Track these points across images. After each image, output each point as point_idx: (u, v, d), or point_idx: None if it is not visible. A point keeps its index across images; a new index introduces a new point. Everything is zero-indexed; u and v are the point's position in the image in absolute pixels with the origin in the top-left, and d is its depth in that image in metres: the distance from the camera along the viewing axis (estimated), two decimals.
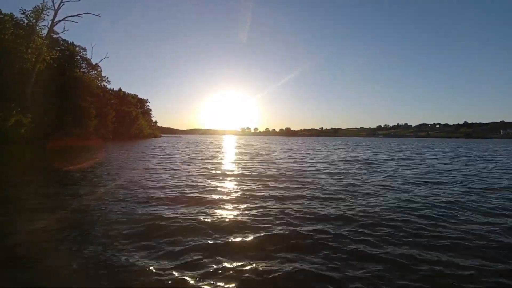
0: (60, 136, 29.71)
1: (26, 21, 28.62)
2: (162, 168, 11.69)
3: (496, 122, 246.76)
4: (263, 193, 6.98)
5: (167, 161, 14.65)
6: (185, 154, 20.45)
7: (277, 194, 6.92)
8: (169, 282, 2.86)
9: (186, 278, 2.94)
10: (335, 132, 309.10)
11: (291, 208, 5.61)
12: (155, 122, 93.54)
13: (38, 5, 29.07)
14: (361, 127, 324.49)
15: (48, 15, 30.15)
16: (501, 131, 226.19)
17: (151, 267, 3.12)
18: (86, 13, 33.25)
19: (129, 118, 56.77)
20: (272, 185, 8.20)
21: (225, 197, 6.57)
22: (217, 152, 23.61)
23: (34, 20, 28.81)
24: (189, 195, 6.71)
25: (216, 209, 5.53)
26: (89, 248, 3.62)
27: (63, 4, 31.21)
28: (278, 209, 5.48)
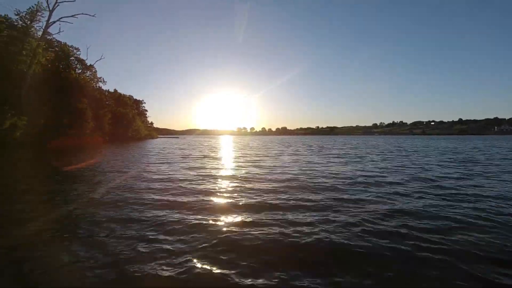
0: (56, 139, 29.37)
1: (20, 23, 28.20)
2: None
3: (490, 119, 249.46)
4: None
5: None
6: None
7: None
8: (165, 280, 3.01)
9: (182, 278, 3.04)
10: (331, 131, 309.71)
11: None
12: (151, 123, 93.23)
13: (32, 6, 28.71)
14: (357, 126, 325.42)
15: (43, 17, 29.79)
16: (495, 127, 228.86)
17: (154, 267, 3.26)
18: (82, 14, 32.76)
19: (126, 119, 56.34)
20: None
21: None
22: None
23: (29, 22, 28.40)
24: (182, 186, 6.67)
25: (216, 212, 5.56)
26: (84, 246, 3.82)
27: (58, 5, 30.84)
28: None
